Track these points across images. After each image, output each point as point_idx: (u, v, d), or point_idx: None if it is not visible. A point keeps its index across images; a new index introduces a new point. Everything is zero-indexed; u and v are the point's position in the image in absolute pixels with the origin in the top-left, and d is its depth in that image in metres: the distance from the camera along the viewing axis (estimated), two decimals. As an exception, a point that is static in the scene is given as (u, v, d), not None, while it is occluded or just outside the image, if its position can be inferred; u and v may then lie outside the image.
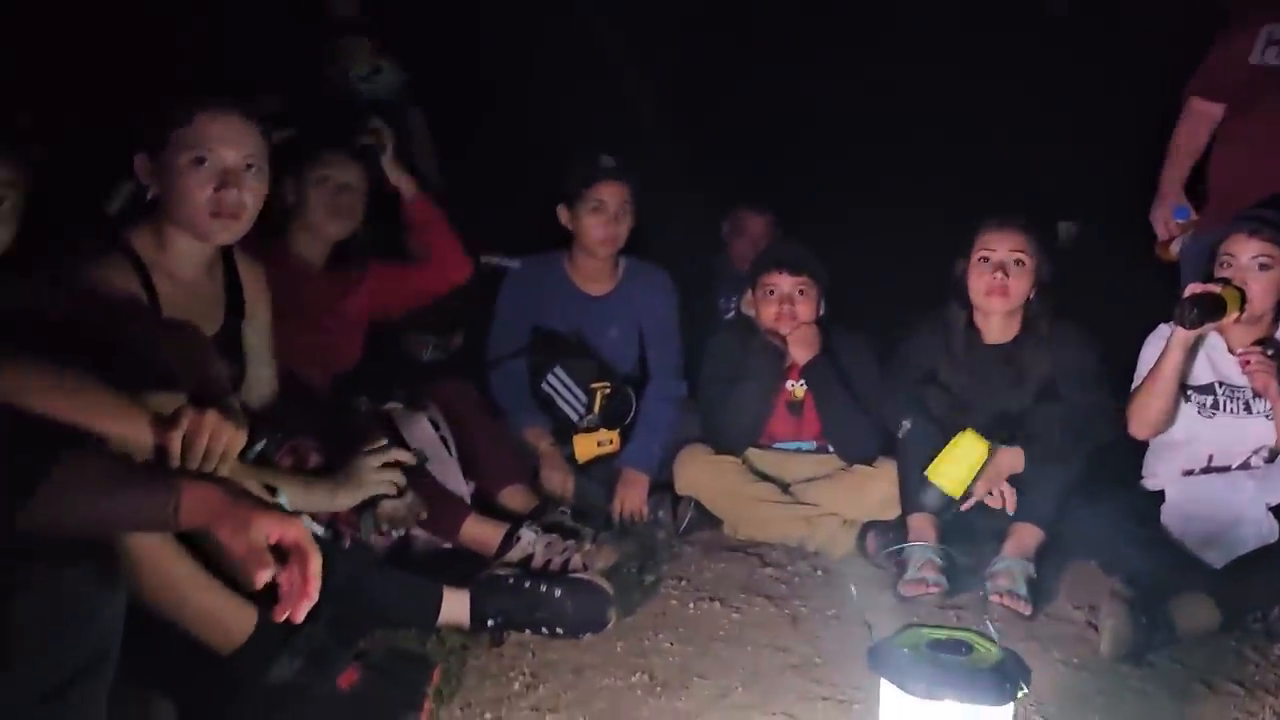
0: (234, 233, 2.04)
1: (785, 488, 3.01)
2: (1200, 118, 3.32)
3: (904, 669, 1.43)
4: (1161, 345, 2.70)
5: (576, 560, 2.35)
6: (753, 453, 3.05)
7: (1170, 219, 3.39)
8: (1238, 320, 2.62)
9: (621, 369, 3.19)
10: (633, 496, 2.96)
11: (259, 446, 2.16)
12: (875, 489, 2.89)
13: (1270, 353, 2.64)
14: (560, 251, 3.20)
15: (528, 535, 2.41)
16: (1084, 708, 2.10)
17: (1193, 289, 2.60)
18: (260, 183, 2.04)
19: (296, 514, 2.05)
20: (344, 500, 2.13)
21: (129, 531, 1.42)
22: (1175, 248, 3.36)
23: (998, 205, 3.04)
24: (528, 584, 2.18)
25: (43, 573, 1.32)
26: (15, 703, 1.26)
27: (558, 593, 2.17)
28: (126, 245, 1.98)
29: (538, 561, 2.38)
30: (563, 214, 3.14)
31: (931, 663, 1.42)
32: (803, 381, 3.06)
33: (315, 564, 1.40)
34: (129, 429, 1.53)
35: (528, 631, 2.17)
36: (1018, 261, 2.80)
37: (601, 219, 3.08)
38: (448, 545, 2.49)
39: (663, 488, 3.01)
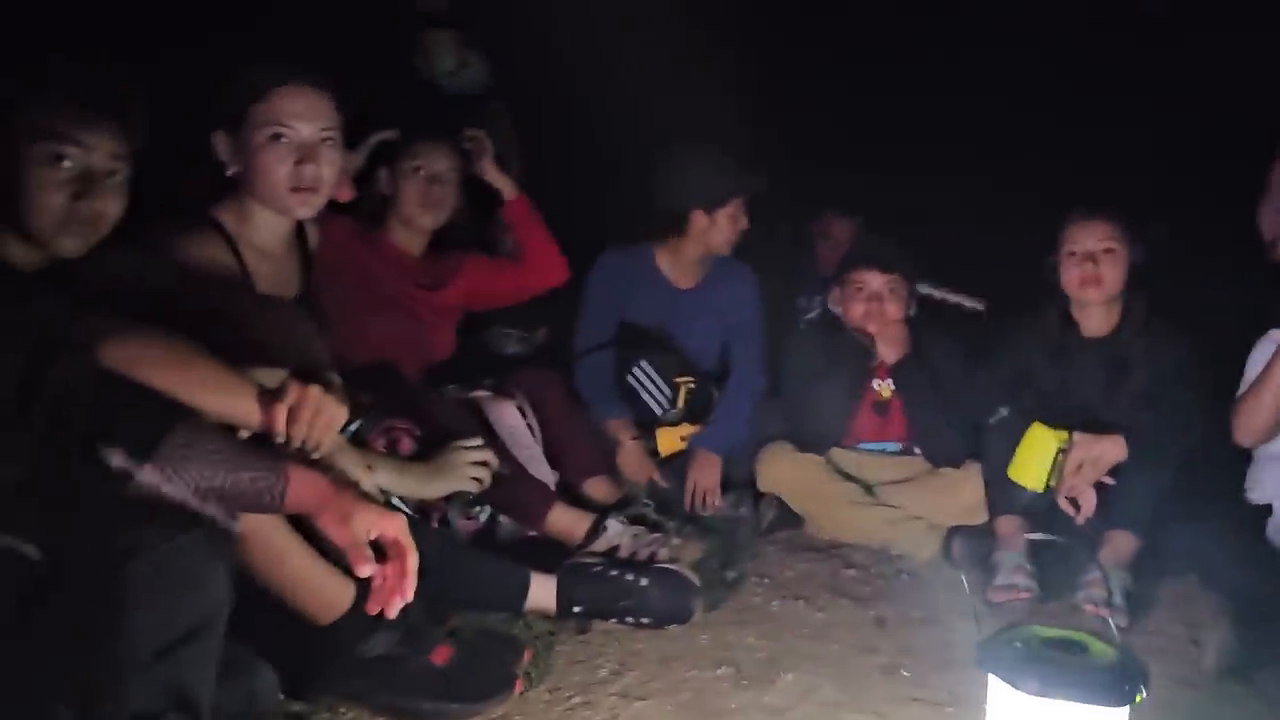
0: (314, 206, 2.06)
1: (869, 489, 2.97)
2: None
3: (1015, 666, 1.39)
4: (1272, 350, 2.61)
5: (664, 553, 2.33)
6: (837, 452, 3.01)
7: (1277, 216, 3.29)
8: None
9: (705, 364, 3.17)
10: (706, 476, 2.94)
11: (354, 426, 2.19)
12: (962, 493, 2.83)
13: None
14: (650, 243, 3.19)
15: (614, 526, 2.39)
16: (1189, 723, 2.04)
17: None
18: (337, 154, 2.05)
19: (387, 495, 2.09)
20: (435, 489, 2.16)
21: (235, 510, 1.43)
22: None
23: (1089, 199, 2.99)
24: (614, 572, 2.17)
25: (155, 538, 1.34)
26: (130, 656, 1.28)
27: (644, 582, 2.16)
28: (214, 220, 2.01)
29: (624, 553, 2.36)
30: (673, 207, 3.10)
31: (1045, 660, 1.37)
32: (890, 381, 3.02)
33: (412, 562, 1.40)
34: (237, 403, 1.54)
35: (613, 620, 2.15)
36: (1107, 250, 2.74)
37: (728, 226, 3.07)
38: (532, 533, 2.48)
39: (745, 485, 2.98)
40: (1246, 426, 2.65)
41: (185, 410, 1.46)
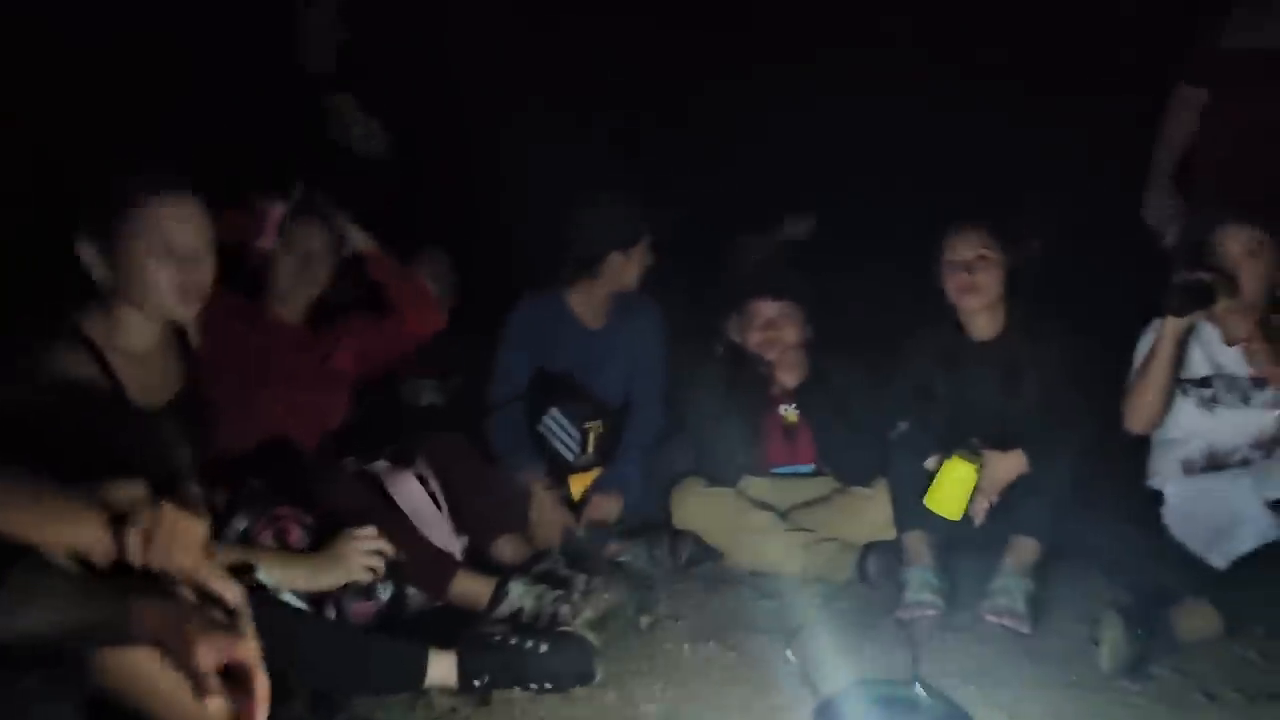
0: (196, 309, 2.08)
1: (784, 514, 3.00)
2: (1185, 104, 3.29)
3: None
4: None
5: (565, 611, 2.36)
6: (749, 481, 3.05)
7: (1162, 206, 3.36)
8: (1227, 308, 2.59)
9: (616, 403, 3.20)
10: (599, 514, 2.99)
11: (241, 527, 2.21)
12: (872, 511, 2.88)
13: (1272, 340, 2.60)
14: (562, 288, 3.22)
15: (516, 589, 2.42)
16: (1078, 728, 2.08)
17: (1181, 277, 2.57)
18: (214, 256, 2.07)
19: (278, 589, 2.10)
20: (326, 581, 2.17)
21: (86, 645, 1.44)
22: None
23: (990, 205, 3.05)
24: (513, 641, 2.19)
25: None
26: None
27: (543, 648, 2.18)
28: (79, 330, 2.00)
29: (529, 615, 2.39)
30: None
31: None
32: (794, 405, 3.05)
33: (263, 688, 1.41)
34: (83, 534, 1.53)
35: (516, 689, 2.18)
36: (981, 258, 2.82)
37: (634, 267, 3.14)
38: (440, 603, 2.50)
39: (661, 524, 3.01)
40: (1134, 414, 2.72)
41: (23, 551, 1.46)
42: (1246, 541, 2.50)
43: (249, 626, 1.51)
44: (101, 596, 1.45)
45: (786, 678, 2.29)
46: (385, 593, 2.37)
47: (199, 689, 1.39)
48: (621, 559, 2.92)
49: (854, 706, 1.43)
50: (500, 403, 3.12)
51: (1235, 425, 2.67)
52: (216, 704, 1.39)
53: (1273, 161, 3.00)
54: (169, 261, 2.00)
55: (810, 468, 3.09)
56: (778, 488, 3.05)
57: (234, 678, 1.45)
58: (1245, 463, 2.66)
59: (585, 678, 2.19)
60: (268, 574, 2.05)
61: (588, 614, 2.35)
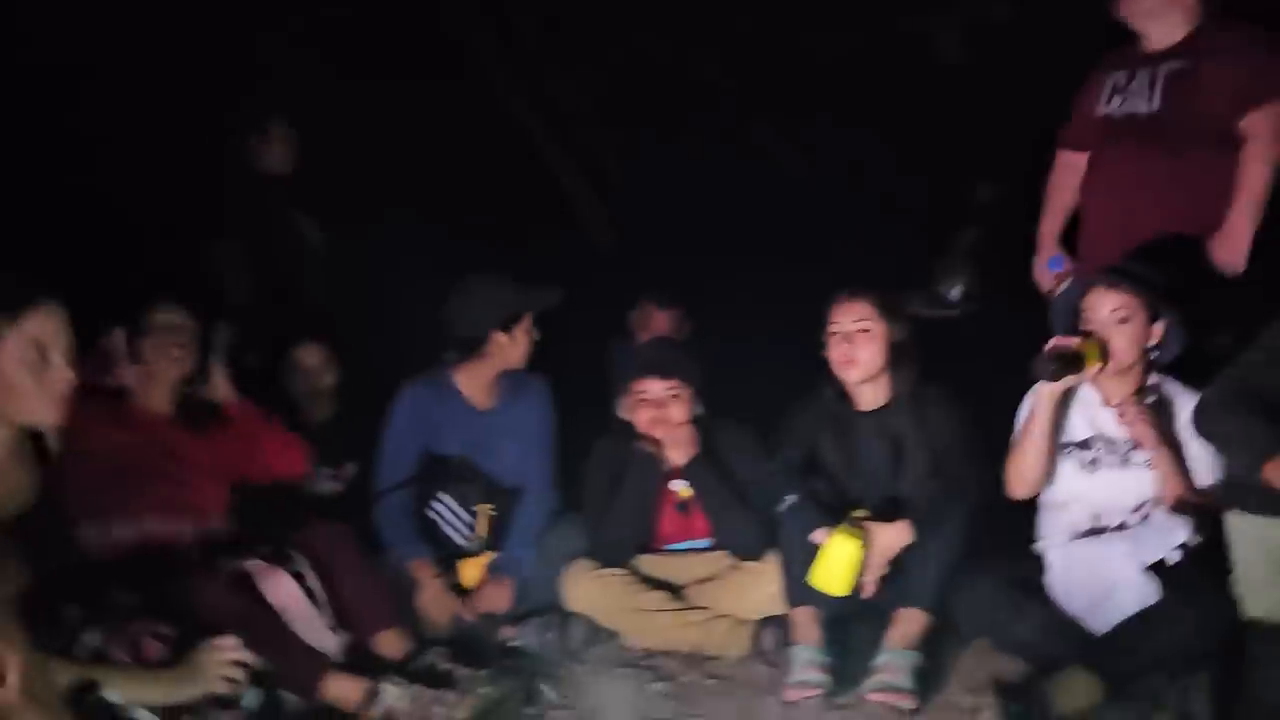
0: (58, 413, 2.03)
1: (679, 591, 2.98)
2: (1067, 169, 3.36)
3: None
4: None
5: (439, 713, 2.30)
6: (642, 559, 3.02)
7: (1047, 270, 3.42)
8: (1100, 372, 2.62)
9: (508, 484, 3.16)
10: (488, 596, 2.95)
11: (94, 644, 2.15)
12: (764, 585, 2.85)
13: (1146, 402, 2.63)
14: (448, 370, 3.19)
15: (390, 690, 2.36)
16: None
17: (1052, 344, 2.60)
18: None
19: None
20: (183, 694, 2.10)
21: None
22: None
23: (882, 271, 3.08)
24: None
25: None
26: None
27: None
28: None
29: (404, 716, 2.34)
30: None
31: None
32: (687, 481, 3.04)
33: None
34: None
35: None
36: (862, 330, 2.83)
37: (518, 346, 3.13)
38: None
39: (554, 607, 2.97)
40: (1016, 477, 2.73)
41: None
42: (1126, 606, 2.51)
43: None
44: None
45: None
46: (253, 700, 2.29)
47: None
48: (514, 644, 2.87)
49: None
50: (385, 489, 3.07)
51: (1116, 487, 2.69)
52: None
53: (1144, 217, 3.06)
54: (42, 369, 1.94)
55: (706, 543, 3.06)
56: (672, 565, 3.02)
57: None
58: (1125, 527, 2.67)
59: None
60: (117, 691, 1.98)
61: (461, 714, 2.30)
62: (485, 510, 3.06)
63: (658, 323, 4.08)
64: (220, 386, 2.85)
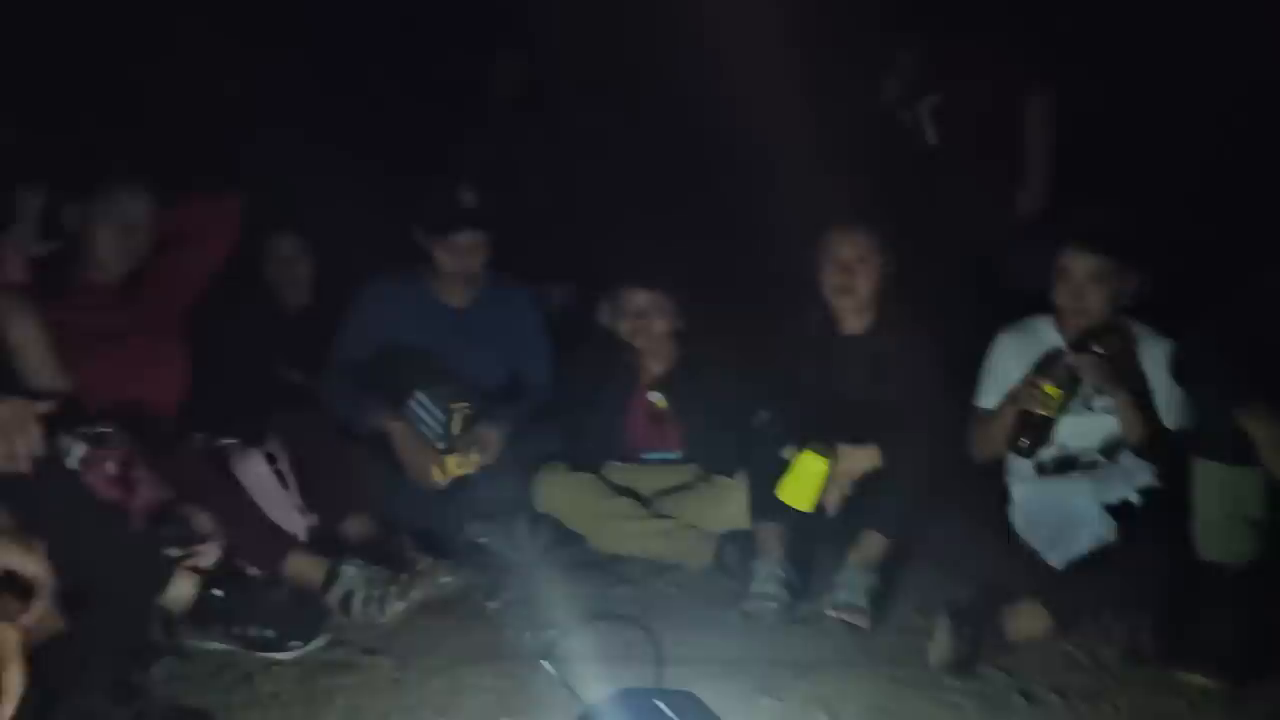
0: None
1: (648, 500, 3.01)
2: None
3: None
4: (1005, 358, 2.76)
5: (392, 593, 2.34)
6: (612, 466, 3.05)
7: None
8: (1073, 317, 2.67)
9: (484, 386, 3.16)
10: (483, 440, 2.98)
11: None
12: (732, 501, 2.87)
13: (1099, 350, 2.63)
14: (424, 266, 3.17)
15: (348, 571, 2.40)
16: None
17: (1015, 428, 2.61)
18: None
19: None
20: None
21: None
22: None
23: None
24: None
25: None
26: None
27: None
28: None
29: (357, 600, 2.37)
30: (419, 234, 3.11)
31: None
32: (663, 393, 3.05)
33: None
34: None
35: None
36: (862, 260, 2.83)
37: (457, 255, 3.08)
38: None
39: (522, 507, 2.99)
40: (981, 448, 2.75)
41: None
42: (1083, 543, 2.55)
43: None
44: None
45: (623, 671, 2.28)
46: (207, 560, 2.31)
47: None
48: (480, 541, 2.90)
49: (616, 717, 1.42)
50: (338, 363, 3.07)
51: (1081, 429, 2.71)
52: None
53: None
54: None
55: (677, 454, 3.09)
56: (643, 473, 3.05)
57: None
58: (1093, 466, 2.70)
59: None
60: None
61: (415, 596, 2.33)
62: (461, 408, 3.05)
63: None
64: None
